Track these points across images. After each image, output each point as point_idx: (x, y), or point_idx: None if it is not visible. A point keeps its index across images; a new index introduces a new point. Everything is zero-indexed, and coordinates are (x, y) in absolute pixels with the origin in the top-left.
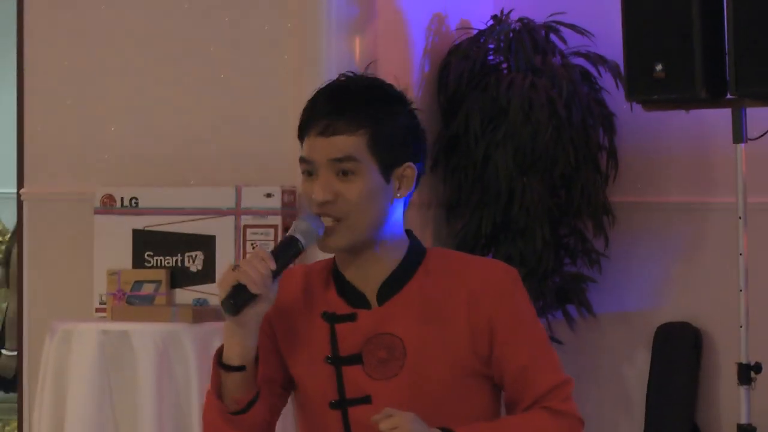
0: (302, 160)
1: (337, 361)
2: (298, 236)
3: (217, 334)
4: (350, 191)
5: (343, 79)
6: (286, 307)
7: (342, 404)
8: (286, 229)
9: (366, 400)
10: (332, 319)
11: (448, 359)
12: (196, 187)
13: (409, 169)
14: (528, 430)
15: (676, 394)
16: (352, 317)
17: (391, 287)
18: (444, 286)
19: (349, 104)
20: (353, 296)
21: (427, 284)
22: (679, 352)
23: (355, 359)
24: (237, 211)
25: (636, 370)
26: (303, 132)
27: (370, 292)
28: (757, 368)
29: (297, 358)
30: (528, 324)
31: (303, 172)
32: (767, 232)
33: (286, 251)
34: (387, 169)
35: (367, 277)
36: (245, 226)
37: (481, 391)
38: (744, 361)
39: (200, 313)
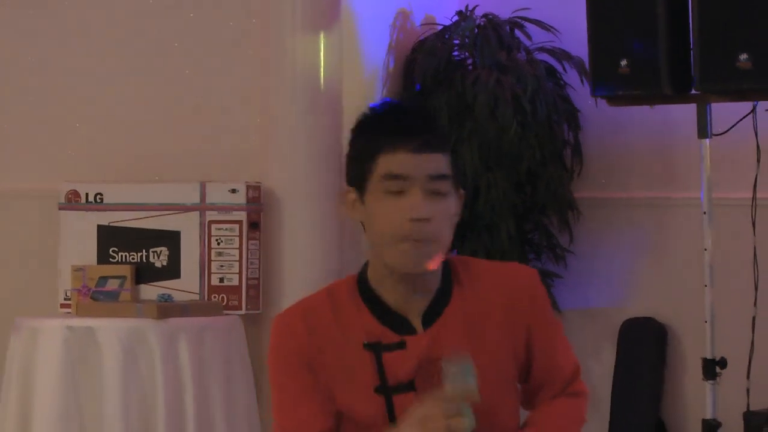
0: (393, 176)
1: (388, 390)
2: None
3: (182, 330)
4: (443, 212)
5: (395, 102)
6: (323, 340)
7: None
8: (250, 224)
9: None
10: (378, 348)
11: (494, 371)
12: (161, 183)
13: (462, 191)
14: (560, 420)
15: (642, 389)
16: (401, 345)
17: (435, 310)
18: (479, 297)
19: (434, 123)
20: (397, 322)
21: (465, 299)
22: (644, 347)
23: (408, 387)
24: (202, 207)
25: (601, 366)
26: (381, 149)
27: (414, 316)
28: (722, 363)
29: (342, 390)
30: (553, 317)
31: (388, 190)
32: (732, 228)
33: None
34: (458, 190)
35: (412, 300)
36: (210, 222)
37: (515, 393)
38: (709, 357)
39: (165, 308)
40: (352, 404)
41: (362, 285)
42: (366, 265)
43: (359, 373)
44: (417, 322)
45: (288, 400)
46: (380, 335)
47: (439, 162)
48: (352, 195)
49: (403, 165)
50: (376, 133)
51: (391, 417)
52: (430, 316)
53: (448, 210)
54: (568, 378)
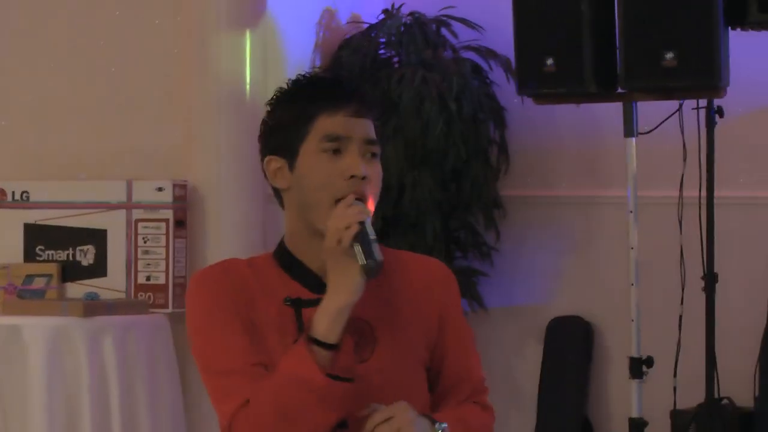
0: (333, 137)
1: None
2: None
3: (108, 328)
4: (377, 174)
5: (321, 72)
6: (244, 295)
7: None
8: (176, 222)
9: None
10: (298, 303)
11: (408, 347)
12: (87, 181)
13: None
14: (475, 421)
15: (568, 388)
16: (318, 302)
17: None
18: (396, 274)
19: (365, 93)
20: (317, 283)
21: (384, 273)
22: (571, 345)
23: None
24: (128, 205)
25: (527, 364)
26: (319, 111)
27: None
28: (649, 362)
29: (262, 343)
30: (466, 323)
31: (325, 151)
32: (658, 226)
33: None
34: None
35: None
36: (137, 220)
37: (424, 382)
38: (636, 355)
39: (91, 307)
40: (271, 357)
41: (280, 255)
42: (280, 242)
43: (281, 328)
44: None
45: (217, 338)
46: (299, 293)
47: (372, 128)
48: (276, 163)
49: (343, 126)
50: (313, 98)
51: None
52: None
53: (380, 174)
54: (478, 387)
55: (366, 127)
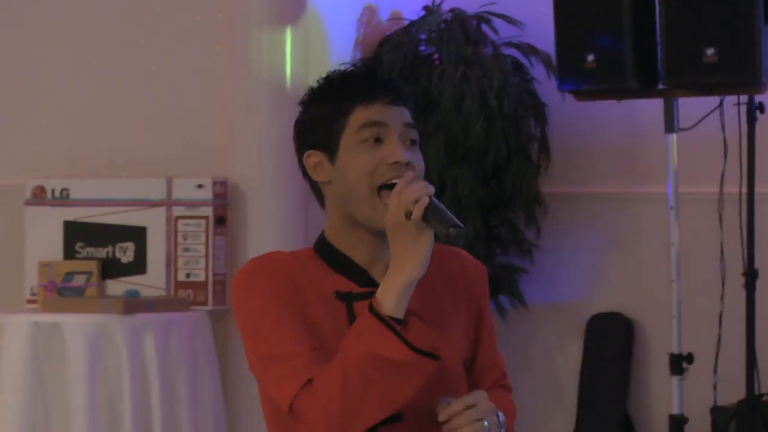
0: (373, 123)
1: None
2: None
3: (148, 325)
4: (419, 161)
5: (351, 65)
6: (294, 287)
7: None
8: (217, 219)
9: None
10: (349, 297)
11: (453, 341)
12: (127, 179)
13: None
14: (507, 406)
15: (608, 384)
16: (370, 295)
17: None
18: (437, 268)
19: (398, 83)
20: (363, 277)
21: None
22: (611, 342)
23: None
24: (168, 203)
25: (568, 361)
26: (356, 102)
27: (378, 273)
28: (689, 359)
29: (317, 336)
30: (490, 310)
31: (365, 140)
32: (698, 223)
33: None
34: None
35: (377, 257)
36: (176, 218)
37: (464, 374)
38: (676, 352)
39: (131, 304)
40: (327, 350)
41: (322, 249)
42: (321, 236)
43: (332, 322)
44: (380, 277)
45: (272, 325)
46: (349, 287)
47: (408, 114)
48: (315, 157)
49: (381, 113)
50: (348, 90)
51: None
52: None
53: (422, 161)
54: (501, 373)
55: (402, 114)
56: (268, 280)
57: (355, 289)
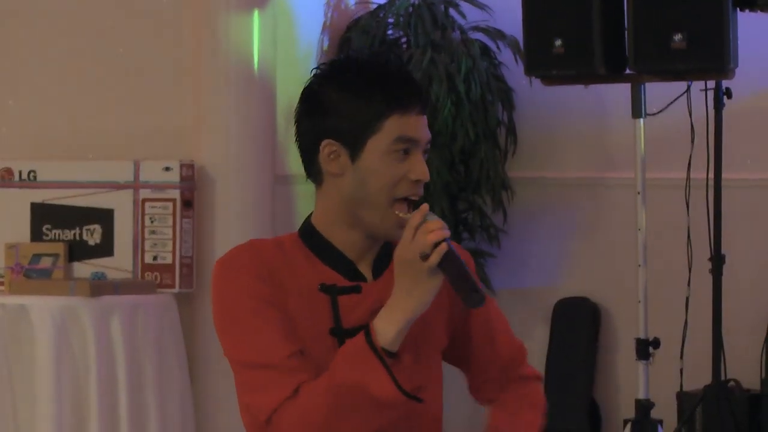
0: (407, 140)
1: (342, 333)
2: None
3: (115, 308)
4: (428, 174)
5: (382, 55)
6: (276, 279)
7: None
8: (184, 202)
9: None
10: (333, 291)
11: (433, 335)
12: (94, 161)
13: None
14: (525, 407)
15: (575, 369)
16: (356, 289)
17: (383, 261)
18: None
19: (423, 89)
20: (349, 269)
21: None
22: (578, 327)
23: (360, 331)
24: (135, 185)
25: (535, 346)
26: (393, 110)
27: (364, 265)
28: (656, 344)
29: (296, 330)
30: (490, 301)
31: (396, 151)
32: (665, 208)
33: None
34: None
35: (363, 250)
36: (144, 200)
37: (440, 363)
38: (642, 337)
39: (98, 286)
40: (304, 344)
41: (308, 237)
42: (307, 221)
43: (313, 315)
44: (367, 271)
45: (249, 330)
46: (334, 280)
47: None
48: (334, 147)
49: (414, 128)
50: (387, 95)
51: None
52: (378, 266)
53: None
54: (516, 360)
55: (426, 127)
56: (244, 277)
57: (341, 281)
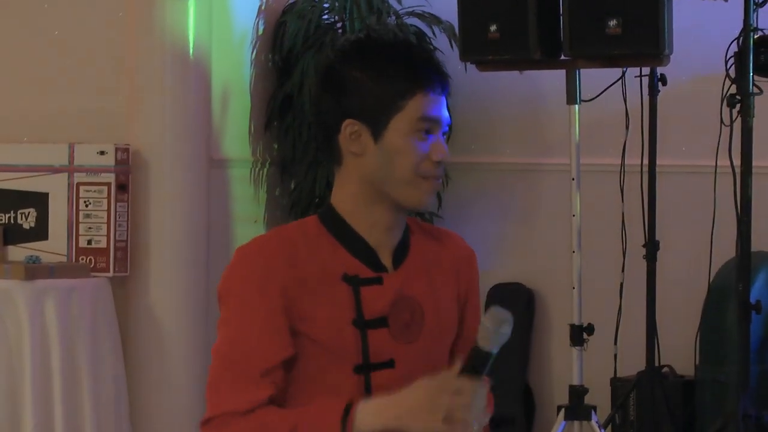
0: (431, 119)
1: (363, 324)
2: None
3: (49, 291)
4: (448, 154)
5: (399, 34)
6: (301, 271)
7: (366, 368)
8: (119, 186)
9: (390, 364)
10: (356, 281)
11: (447, 329)
12: (29, 144)
13: None
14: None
15: (509, 354)
16: (378, 280)
17: (403, 250)
18: (432, 249)
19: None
20: (371, 258)
21: (421, 247)
22: (512, 312)
23: (382, 322)
24: (70, 169)
25: None
26: (417, 89)
27: (385, 254)
28: (590, 329)
29: (319, 320)
30: (479, 294)
31: (419, 130)
32: (600, 194)
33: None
34: None
35: (386, 239)
36: (78, 184)
37: (455, 329)
38: (576, 323)
39: (32, 270)
40: (328, 335)
41: (331, 222)
42: (329, 207)
43: (336, 305)
44: (387, 261)
45: (245, 333)
46: (357, 269)
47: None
48: (356, 127)
49: (437, 107)
50: (413, 74)
51: (365, 350)
52: (398, 256)
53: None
54: None
55: (446, 109)
56: (257, 276)
57: (363, 271)
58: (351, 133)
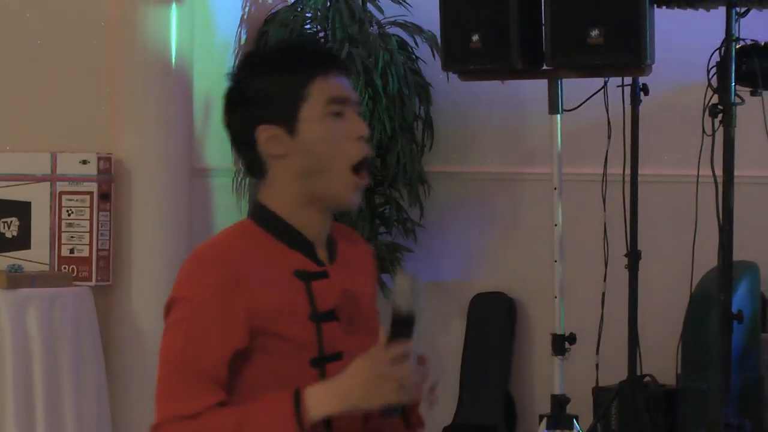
0: (338, 100)
1: (318, 317)
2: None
3: (32, 300)
4: (367, 129)
5: (294, 37)
6: (251, 271)
7: (322, 361)
8: (101, 195)
9: (338, 356)
10: (307, 276)
11: (375, 315)
12: (11, 153)
13: None
14: None
15: (491, 364)
16: (325, 274)
17: (331, 245)
18: (349, 246)
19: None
20: (312, 253)
21: (342, 244)
22: (494, 322)
23: (332, 315)
24: (53, 178)
25: (451, 340)
26: (315, 74)
27: (320, 250)
28: (571, 339)
29: (280, 317)
30: None
31: (330, 114)
32: (582, 204)
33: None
34: None
35: (321, 236)
36: (61, 193)
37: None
38: (558, 332)
39: (15, 278)
40: (293, 329)
41: (272, 224)
42: (261, 208)
43: (293, 300)
44: (323, 256)
45: (193, 341)
46: (303, 264)
47: None
48: (269, 131)
49: (341, 88)
50: (304, 61)
51: (320, 343)
52: (330, 252)
53: None
54: None
55: (352, 89)
56: (211, 284)
57: (309, 266)
58: (268, 137)
